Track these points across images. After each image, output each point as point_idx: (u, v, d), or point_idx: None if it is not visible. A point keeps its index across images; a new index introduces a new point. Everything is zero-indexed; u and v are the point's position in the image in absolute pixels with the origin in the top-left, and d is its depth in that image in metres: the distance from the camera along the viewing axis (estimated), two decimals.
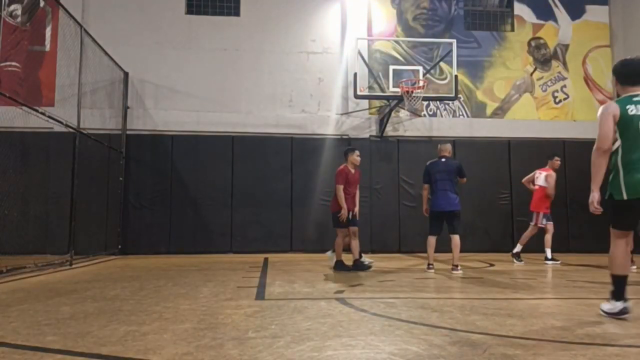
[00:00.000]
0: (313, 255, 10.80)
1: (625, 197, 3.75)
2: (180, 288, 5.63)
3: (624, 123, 3.75)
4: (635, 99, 3.79)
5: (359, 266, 7.61)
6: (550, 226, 9.25)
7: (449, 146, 8.02)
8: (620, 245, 3.87)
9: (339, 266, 7.63)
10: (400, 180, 11.96)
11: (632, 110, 3.74)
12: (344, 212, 7.50)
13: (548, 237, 9.21)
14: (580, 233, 11.73)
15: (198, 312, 4.13)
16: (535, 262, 9.29)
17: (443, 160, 7.76)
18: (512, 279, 6.70)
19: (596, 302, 4.70)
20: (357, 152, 7.82)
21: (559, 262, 8.98)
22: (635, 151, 3.72)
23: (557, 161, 9.51)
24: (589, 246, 11.29)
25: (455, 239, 7.51)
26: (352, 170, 7.73)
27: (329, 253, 8.67)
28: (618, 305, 3.84)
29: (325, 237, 11.32)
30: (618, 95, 3.98)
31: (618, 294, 3.85)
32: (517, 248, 9.35)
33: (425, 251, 7.86)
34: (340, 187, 7.55)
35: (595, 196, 3.87)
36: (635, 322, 3.78)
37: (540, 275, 7.25)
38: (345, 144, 12.09)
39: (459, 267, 7.42)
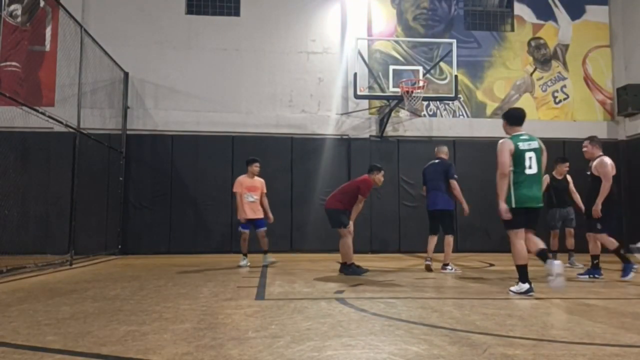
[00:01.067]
0: (313, 255, 10.80)
1: (514, 205, 5.19)
2: (180, 288, 5.63)
3: (516, 155, 5.24)
4: (521, 137, 5.33)
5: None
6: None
7: (443, 148, 8.06)
8: (519, 242, 5.21)
9: (351, 270, 7.07)
10: (400, 180, 11.95)
11: (521, 146, 5.24)
12: (352, 226, 7.24)
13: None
14: (577, 233, 11.67)
15: (198, 312, 4.13)
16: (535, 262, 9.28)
17: (437, 161, 7.90)
18: (512, 279, 6.69)
19: (596, 302, 4.72)
20: (382, 173, 7.49)
21: None
22: (522, 174, 5.22)
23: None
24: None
25: (447, 238, 7.57)
26: None
27: (268, 258, 8.64)
28: (524, 287, 5.11)
29: (326, 237, 11.33)
30: (507, 133, 5.49)
31: (523, 278, 5.16)
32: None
33: (425, 251, 7.85)
34: (363, 200, 7.25)
35: (502, 206, 5.28)
36: (635, 321, 3.78)
37: (540, 275, 7.24)
38: (346, 144, 12.11)
39: (448, 266, 7.44)
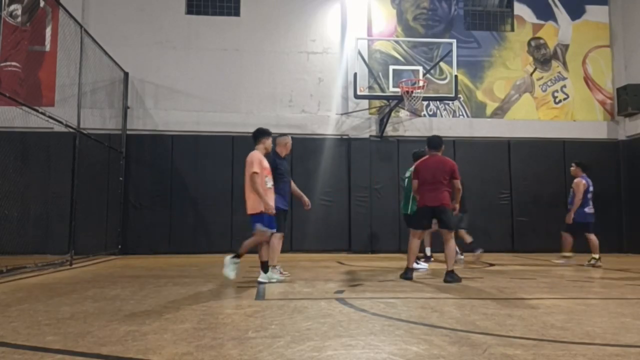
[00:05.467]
0: (313, 255, 10.80)
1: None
2: (180, 288, 5.63)
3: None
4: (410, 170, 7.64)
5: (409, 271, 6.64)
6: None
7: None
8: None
9: (409, 273, 6.51)
10: (400, 180, 11.92)
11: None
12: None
13: None
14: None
15: (198, 312, 4.13)
16: (535, 262, 9.29)
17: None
18: (512, 279, 6.70)
19: (596, 302, 4.72)
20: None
21: None
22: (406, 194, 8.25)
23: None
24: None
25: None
26: None
27: (228, 259, 6.19)
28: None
29: (326, 237, 11.35)
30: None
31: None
32: None
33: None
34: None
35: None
36: (635, 321, 3.78)
37: (540, 275, 7.25)
38: (345, 144, 12.11)
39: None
